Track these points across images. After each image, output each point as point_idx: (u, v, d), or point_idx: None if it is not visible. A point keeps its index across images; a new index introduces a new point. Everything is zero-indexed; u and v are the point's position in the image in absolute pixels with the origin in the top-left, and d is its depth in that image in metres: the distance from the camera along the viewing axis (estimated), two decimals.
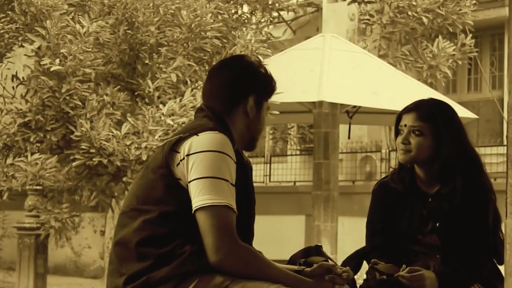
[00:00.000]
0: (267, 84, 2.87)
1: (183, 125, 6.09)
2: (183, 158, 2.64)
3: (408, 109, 3.24)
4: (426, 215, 3.20)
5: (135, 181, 2.79)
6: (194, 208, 2.60)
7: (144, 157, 6.54)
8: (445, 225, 3.16)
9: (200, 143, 2.64)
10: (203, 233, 2.58)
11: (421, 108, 3.22)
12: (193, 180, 2.61)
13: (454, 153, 3.14)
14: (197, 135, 2.66)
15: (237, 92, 2.81)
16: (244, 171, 2.76)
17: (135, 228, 2.65)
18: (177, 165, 2.65)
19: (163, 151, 2.69)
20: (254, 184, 2.89)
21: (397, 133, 3.25)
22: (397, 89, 8.43)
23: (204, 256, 2.59)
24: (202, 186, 2.59)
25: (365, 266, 3.26)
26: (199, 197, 2.59)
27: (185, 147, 2.65)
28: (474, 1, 10.27)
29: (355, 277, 3.03)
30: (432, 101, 3.30)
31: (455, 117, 3.24)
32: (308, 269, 2.77)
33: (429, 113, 3.19)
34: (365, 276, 3.18)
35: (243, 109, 2.80)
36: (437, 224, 3.18)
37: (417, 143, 3.17)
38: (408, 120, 3.21)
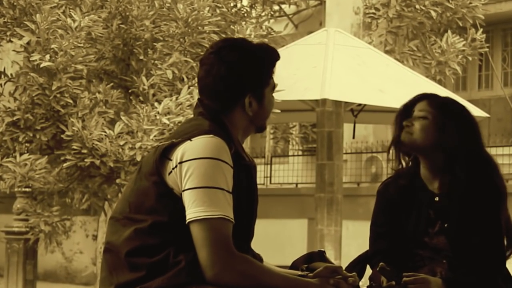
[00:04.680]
0: (265, 71, 2.73)
1: (180, 124, 6.03)
2: (176, 166, 2.58)
3: (421, 97, 3.27)
4: (433, 215, 3.16)
5: (128, 184, 2.75)
6: (187, 220, 2.55)
7: (138, 158, 6.57)
8: (454, 226, 3.11)
9: (194, 149, 2.57)
10: (197, 247, 2.54)
11: (434, 97, 3.27)
12: (186, 190, 2.55)
13: (460, 146, 3.14)
14: (191, 140, 2.59)
15: (231, 92, 2.69)
16: (247, 172, 2.69)
17: (126, 237, 2.61)
18: (169, 173, 2.59)
19: (154, 156, 2.63)
20: None
21: (401, 127, 3.22)
22: (404, 86, 8.39)
23: (199, 266, 2.55)
24: (196, 197, 2.54)
25: (368, 271, 3.22)
26: (192, 208, 2.54)
27: (177, 154, 2.58)
28: None
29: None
30: (448, 97, 3.35)
31: (468, 116, 3.24)
32: (311, 274, 2.70)
33: (440, 102, 3.24)
34: (368, 283, 3.13)
35: (242, 108, 2.70)
36: (445, 225, 3.12)
37: (420, 126, 3.17)
38: (418, 107, 3.23)
